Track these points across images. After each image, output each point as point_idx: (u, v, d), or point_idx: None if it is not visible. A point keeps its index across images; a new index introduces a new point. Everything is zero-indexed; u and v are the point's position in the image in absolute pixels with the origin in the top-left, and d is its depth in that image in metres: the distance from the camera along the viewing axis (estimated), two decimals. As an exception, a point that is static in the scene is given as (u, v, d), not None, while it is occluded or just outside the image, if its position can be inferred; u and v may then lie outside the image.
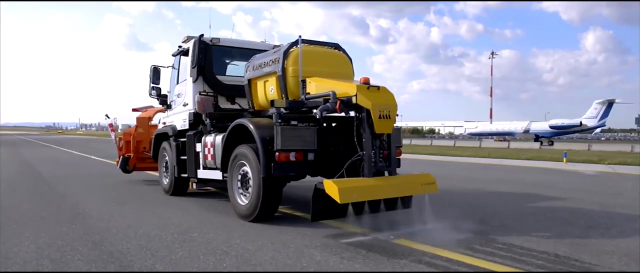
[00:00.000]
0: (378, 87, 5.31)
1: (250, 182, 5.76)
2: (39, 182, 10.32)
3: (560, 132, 57.19)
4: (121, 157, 10.47)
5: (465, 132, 79.18)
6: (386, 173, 5.50)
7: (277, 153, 5.28)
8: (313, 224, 5.21)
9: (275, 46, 8.01)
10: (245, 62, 8.32)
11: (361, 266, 4.05)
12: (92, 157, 20.57)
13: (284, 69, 5.88)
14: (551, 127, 56.61)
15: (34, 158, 19.56)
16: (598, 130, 62.47)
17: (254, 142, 5.81)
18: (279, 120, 5.35)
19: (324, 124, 5.95)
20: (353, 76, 6.53)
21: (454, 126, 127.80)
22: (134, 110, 11.41)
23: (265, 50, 7.06)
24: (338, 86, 5.38)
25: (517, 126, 63.55)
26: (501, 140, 55.13)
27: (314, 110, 5.42)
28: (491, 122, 74.36)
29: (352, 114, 5.44)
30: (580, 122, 54.80)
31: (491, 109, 78.02)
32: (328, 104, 5.16)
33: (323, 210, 5.05)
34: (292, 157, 5.37)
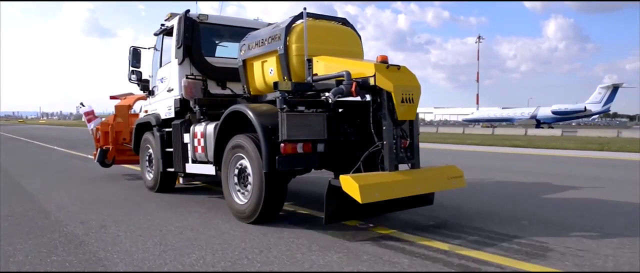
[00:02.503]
0: (398, 67, 4.68)
1: (250, 178, 5.09)
2: (55, 233, 4.81)
3: (563, 117, 56.48)
4: (99, 149, 9.63)
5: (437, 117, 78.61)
6: (408, 166, 4.83)
7: (282, 145, 4.61)
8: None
9: (269, 24, 7.22)
10: (236, 42, 7.70)
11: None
12: (90, 156, 12.08)
13: (286, 47, 5.19)
14: (554, 112, 55.76)
15: (11, 163, 12.88)
16: (595, 116, 62.05)
17: (253, 131, 5.13)
18: (284, 106, 4.62)
19: (339, 110, 5.23)
20: (363, 55, 5.83)
21: (424, 112, 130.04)
22: (111, 97, 10.58)
23: (257, 29, 6.27)
24: (352, 65, 4.71)
25: (517, 112, 62.41)
26: (487, 127, 54.71)
27: (326, 94, 4.71)
28: (477, 108, 74.16)
29: (367, 97, 4.73)
30: (585, 107, 54.04)
31: (477, 95, 77.59)
32: (342, 86, 4.49)
33: (338, 210, 4.43)
34: (299, 148, 4.71)
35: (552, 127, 49.46)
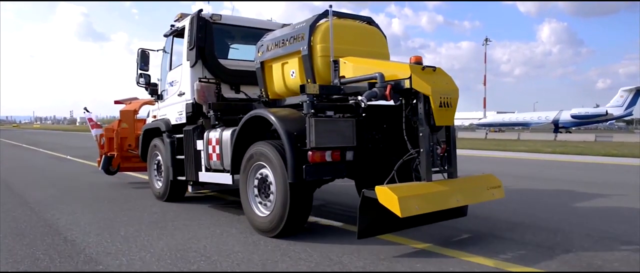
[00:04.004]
0: (434, 68, 4.43)
1: (272, 188, 4.77)
2: None
3: (583, 121, 55.27)
4: (103, 156, 9.31)
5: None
6: (442, 175, 4.53)
7: (310, 153, 4.33)
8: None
9: (284, 25, 6.93)
10: (249, 44, 7.42)
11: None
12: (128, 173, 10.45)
13: (310, 47, 4.93)
14: (573, 116, 54.45)
15: (27, 184, 9.56)
16: (613, 120, 60.52)
17: (274, 137, 4.85)
18: (312, 111, 4.29)
19: (362, 115, 4.92)
20: (389, 57, 5.54)
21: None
22: (116, 102, 10.30)
23: (271, 30, 5.97)
24: (384, 67, 4.44)
25: (534, 116, 61.15)
26: (496, 131, 53.77)
27: (358, 97, 4.39)
28: (484, 112, 73.35)
29: (389, 102, 4.50)
30: (606, 111, 52.78)
31: (485, 98, 76.55)
32: (375, 89, 4.22)
33: (373, 223, 4.09)
34: (327, 156, 4.42)
35: (570, 132, 47.87)
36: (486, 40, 75.13)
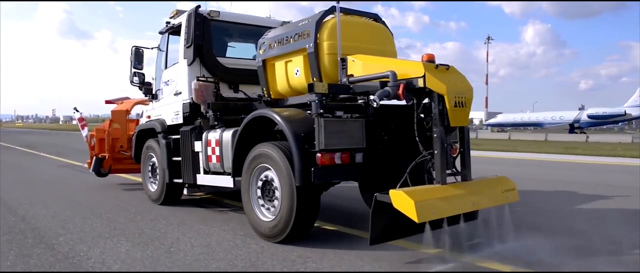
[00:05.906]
0: (447, 66, 4.31)
1: (277, 191, 4.59)
2: None
3: (600, 122, 54.41)
4: (94, 157, 9.02)
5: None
6: (454, 178, 4.40)
7: (319, 155, 4.17)
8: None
9: (283, 23, 6.78)
10: (246, 42, 7.26)
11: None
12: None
13: (317, 45, 4.77)
14: (590, 116, 53.47)
15: (50, 220, 5.77)
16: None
17: (277, 138, 4.83)
18: (321, 111, 4.12)
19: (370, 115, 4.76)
20: (396, 55, 5.40)
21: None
22: (107, 102, 10.05)
23: (273, 28, 5.80)
24: (396, 65, 4.32)
25: (547, 116, 59.19)
26: (499, 131, 53.08)
27: (371, 97, 4.25)
28: (486, 112, 72.77)
29: (400, 101, 4.37)
30: (625, 111, 51.81)
31: (486, 98, 75.47)
32: (388, 88, 4.08)
33: (386, 229, 3.93)
34: (337, 158, 4.24)
35: (585, 132, 46.18)
36: (488, 38, 73.75)
